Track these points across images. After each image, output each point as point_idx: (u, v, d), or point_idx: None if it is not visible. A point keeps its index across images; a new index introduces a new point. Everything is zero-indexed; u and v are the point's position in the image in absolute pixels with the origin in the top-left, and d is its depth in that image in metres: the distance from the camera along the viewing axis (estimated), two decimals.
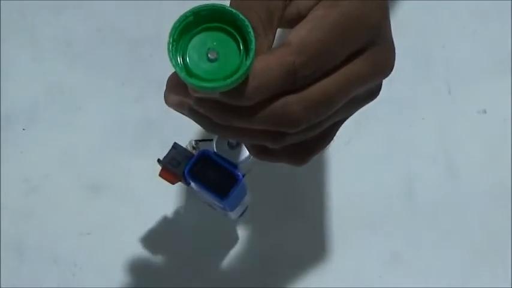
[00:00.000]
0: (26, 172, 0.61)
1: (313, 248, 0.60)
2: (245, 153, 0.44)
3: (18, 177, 0.61)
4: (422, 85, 0.63)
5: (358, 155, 0.61)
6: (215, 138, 0.45)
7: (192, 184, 0.45)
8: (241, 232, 0.60)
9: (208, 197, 0.45)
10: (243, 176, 0.44)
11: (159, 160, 0.45)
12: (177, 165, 0.45)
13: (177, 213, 0.60)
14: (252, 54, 0.29)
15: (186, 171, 0.44)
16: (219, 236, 0.60)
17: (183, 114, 0.35)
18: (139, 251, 0.59)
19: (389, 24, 0.34)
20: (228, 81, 0.29)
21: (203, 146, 0.46)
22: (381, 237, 0.60)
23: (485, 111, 0.63)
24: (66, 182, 0.61)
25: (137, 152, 0.62)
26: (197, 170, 0.44)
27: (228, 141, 0.45)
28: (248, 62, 0.29)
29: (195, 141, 0.46)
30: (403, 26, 0.64)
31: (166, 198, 0.60)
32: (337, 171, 0.61)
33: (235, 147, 0.44)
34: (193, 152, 0.46)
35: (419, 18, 0.65)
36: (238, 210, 0.49)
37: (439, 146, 0.62)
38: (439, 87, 0.64)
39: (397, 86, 0.60)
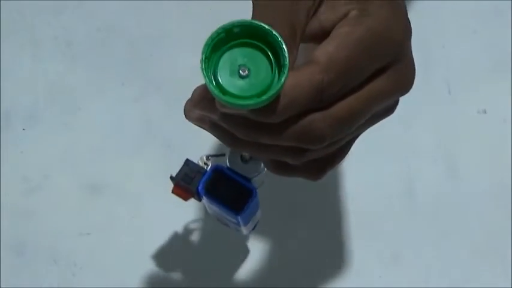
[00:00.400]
0: (26, 172, 0.61)
1: (312, 248, 0.60)
2: (258, 167, 0.44)
3: (18, 177, 0.61)
4: (422, 85, 0.63)
5: (358, 155, 0.61)
6: (227, 152, 0.44)
7: (205, 200, 0.45)
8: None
9: (222, 212, 0.45)
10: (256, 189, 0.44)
11: (171, 177, 0.45)
12: (190, 181, 0.45)
13: (177, 213, 0.60)
14: (286, 70, 0.29)
15: (199, 187, 0.44)
16: (219, 235, 0.60)
17: (203, 128, 0.35)
18: (139, 251, 0.59)
19: (411, 42, 0.34)
20: (262, 98, 0.29)
21: (215, 161, 0.46)
22: (381, 237, 0.60)
23: (485, 111, 0.63)
24: (66, 182, 0.61)
25: (137, 152, 0.62)
26: (211, 185, 0.44)
27: (241, 156, 0.44)
28: (282, 79, 0.29)
29: (207, 156, 0.46)
30: None
31: (167, 198, 0.60)
32: (337, 171, 0.61)
33: (248, 162, 0.44)
34: (205, 167, 0.45)
35: (420, 18, 0.65)
36: (251, 224, 0.49)
37: (439, 146, 0.62)
38: (439, 87, 0.64)
39: None
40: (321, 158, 0.34)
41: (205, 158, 0.46)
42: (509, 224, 0.60)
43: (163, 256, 0.59)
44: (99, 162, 0.62)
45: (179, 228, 0.60)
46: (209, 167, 0.45)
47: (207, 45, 0.30)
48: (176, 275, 0.59)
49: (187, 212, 0.60)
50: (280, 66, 0.29)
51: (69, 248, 0.60)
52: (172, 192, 0.46)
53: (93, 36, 0.65)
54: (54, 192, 0.61)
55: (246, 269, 0.60)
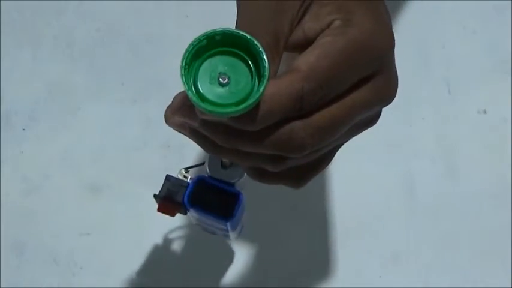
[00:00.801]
0: (26, 172, 0.61)
1: (312, 248, 0.60)
2: (239, 171, 0.44)
3: (18, 177, 0.61)
4: (422, 85, 0.63)
5: (358, 155, 0.61)
6: (207, 161, 0.44)
7: (192, 212, 0.45)
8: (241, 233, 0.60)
9: (210, 221, 0.45)
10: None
11: (155, 195, 0.45)
12: (174, 196, 0.44)
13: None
14: (265, 81, 0.29)
15: (185, 201, 0.43)
16: (220, 237, 0.60)
17: (183, 134, 0.35)
18: (139, 251, 0.59)
19: (394, 53, 0.34)
20: (241, 107, 0.29)
21: (194, 172, 0.45)
22: (381, 237, 0.60)
23: (485, 111, 0.63)
24: (66, 182, 0.61)
25: (137, 152, 0.62)
26: (195, 196, 0.43)
27: (221, 162, 0.44)
28: (261, 89, 0.29)
29: (185, 169, 0.46)
30: (403, 25, 0.65)
31: None
32: (337, 171, 0.61)
33: (229, 167, 0.44)
34: (186, 180, 0.45)
35: (419, 18, 0.65)
36: (238, 229, 0.49)
37: (439, 146, 0.62)
38: (439, 87, 0.64)
39: None
40: (302, 166, 0.34)
41: (184, 171, 0.45)
42: (509, 224, 0.60)
43: (163, 256, 0.59)
44: (99, 162, 0.62)
45: (179, 228, 0.60)
46: (190, 179, 0.44)
47: (187, 51, 0.30)
48: (176, 275, 0.59)
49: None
50: (260, 76, 0.30)
51: (69, 248, 0.60)
52: (158, 210, 0.45)
53: (93, 36, 0.65)
54: (54, 192, 0.61)
55: (246, 269, 0.60)
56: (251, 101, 0.29)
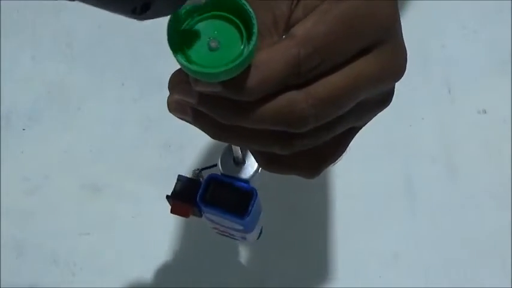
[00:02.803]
0: (26, 172, 0.61)
1: (313, 247, 0.60)
2: (253, 167, 0.43)
3: (18, 177, 0.61)
4: (422, 85, 0.63)
5: (358, 155, 0.61)
6: (219, 159, 0.43)
7: (206, 214, 0.43)
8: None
9: (226, 221, 0.43)
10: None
11: (167, 196, 0.44)
12: (187, 197, 0.43)
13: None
14: (254, 38, 0.28)
15: (198, 200, 0.42)
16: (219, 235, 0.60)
17: (187, 121, 0.35)
18: (139, 251, 0.59)
19: (400, 27, 0.33)
20: (230, 65, 0.28)
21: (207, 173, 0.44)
22: (381, 237, 0.60)
23: (485, 111, 0.63)
24: (66, 182, 0.61)
25: (137, 152, 0.62)
26: (209, 195, 0.42)
27: (234, 158, 0.43)
28: (251, 46, 0.28)
29: (198, 170, 0.44)
30: (403, 25, 0.64)
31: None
32: (337, 171, 0.61)
33: (242, 164, 0.42)
34: (198, 179, 0.44)
35: (420, 18, 0.65)
36: (256, 231, 0.47)
37: (439, 146, 0.62)
38: (439, 87, 0.64)
39: (396, 86, 0.60)
40: (315, 152, 0.33)
41: (196, 172, 0.44)
42: (509, 224, 0.60)
43: (163, 256, 0.59)
44: (99, 162, 0.62)
45: (179, 227, 0.60)
46: (203, 178, 0.43)
47: (174, 16, 0.29)
48: (176, 275, 0.59)
49: None
50: (251, 34, 0.29)
51: (69, 248, 0.60)
52: (172, 212, 0.44)
53: (93, 36, 0.65)
54: (54, 192, 0.61)
55: (246, 269, 0.60)
56: (240, 59, 0.28)
